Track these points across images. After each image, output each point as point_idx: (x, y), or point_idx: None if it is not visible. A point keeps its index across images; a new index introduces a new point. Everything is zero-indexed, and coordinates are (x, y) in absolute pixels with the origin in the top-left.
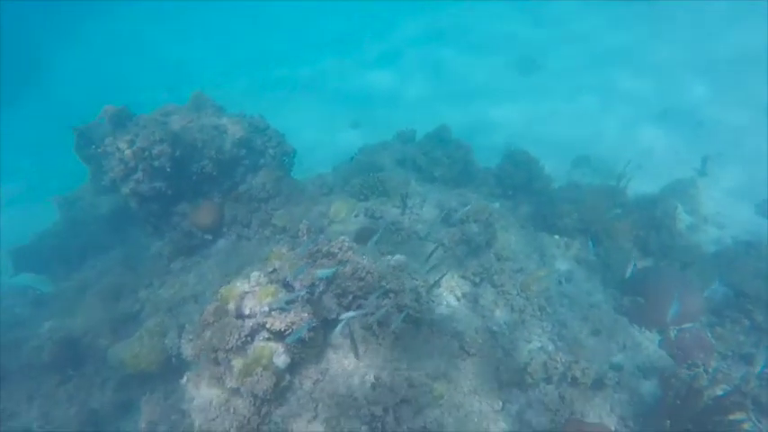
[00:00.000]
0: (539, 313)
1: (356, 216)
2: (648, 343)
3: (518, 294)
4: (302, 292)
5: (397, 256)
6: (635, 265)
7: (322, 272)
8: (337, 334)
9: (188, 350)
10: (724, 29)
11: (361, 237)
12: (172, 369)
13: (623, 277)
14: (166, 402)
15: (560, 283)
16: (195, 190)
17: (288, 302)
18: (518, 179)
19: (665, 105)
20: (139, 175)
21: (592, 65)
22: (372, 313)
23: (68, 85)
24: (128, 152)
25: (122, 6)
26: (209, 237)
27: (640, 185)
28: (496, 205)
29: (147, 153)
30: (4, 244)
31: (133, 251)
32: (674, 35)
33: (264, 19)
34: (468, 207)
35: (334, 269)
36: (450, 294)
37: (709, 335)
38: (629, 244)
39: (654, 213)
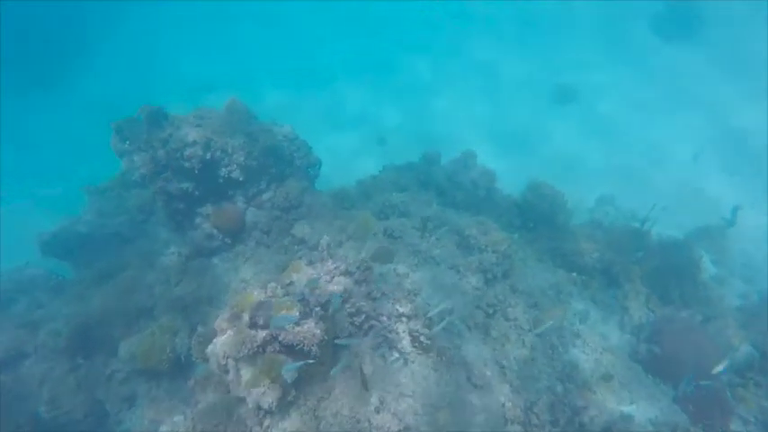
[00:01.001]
0: (550, 352)
1: (375, 234)
2: (662, 395)
3: (530, 330)
4: (317, 309)
5: (413, 279)
6: (654, 313)
7: (334, 297)
8: (344, 362)
9: (198, 353)
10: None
11: (379, 256)
12: (180, 369)
13: (641, 325)
14: (170, 402)
15: (575, 323)
16: (221, 193)
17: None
18: (540, 211)
19: (697, 149)
20: (169, 174)
21: (626, 103)
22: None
23: (108, 80)
24: (160, 151)
25: (169, 6)
26: (229, 240)
27: (665, 229)
28: (515, 236)
29: (178, 154)
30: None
31: (154, 246)
32: (715, 79)
33: (312, 33)
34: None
35: (340, 296)
36: (461, 323)
37: (729, 395)
38: (650, 289)
39: (678, 260)
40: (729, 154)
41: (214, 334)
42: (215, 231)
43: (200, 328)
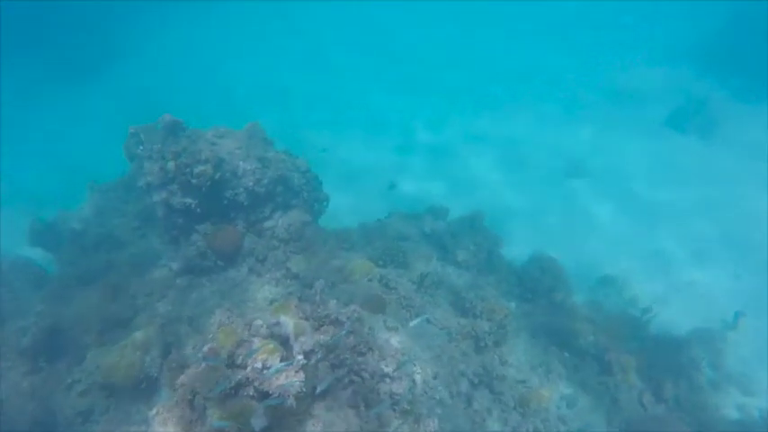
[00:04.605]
0: None
1: (370, 281)
2: None
3: (515, 408)
4: (300, 357)
5: (402, 338)
6: (645, 410)
7: (278, 366)
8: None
9: (167, 379)
10: None
11: (370, 304)
12: (144, 391)
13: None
14: (127, 426)
15: (561, 407)
16: (223, 214)
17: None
18: (540, 285)
19: (703, 247)
20: (175, 187)
21: (638, 185)
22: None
23: (139, 80)
24: (171, 163)
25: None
26: (222, 263)
27: (662, 322)
28: (512, 305)
29: (188, 169)
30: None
31: (145, 256)
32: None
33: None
34: None
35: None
36: (445, 389)
37: None
38: (643, 383)
39: (677, 358)
40: (734, 254)
41: (188, 365)
42: (209, 251)
43: (174, 352)
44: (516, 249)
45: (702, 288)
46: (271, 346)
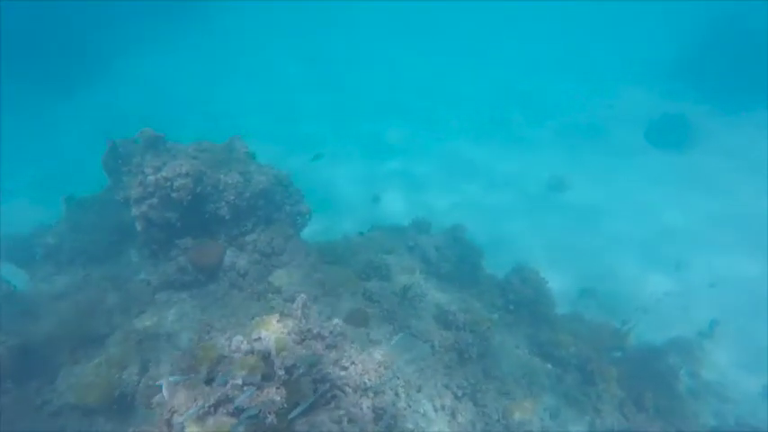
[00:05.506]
0: None
1: (353, 294)
2: None
3: (498, 420)
4: (281, 373)
5: (385, 351)
6: (627, 419)
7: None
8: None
9: (144, 398)
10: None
11: (353, 318)
12: (121, 410)
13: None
14: None
15: (545, 418)
16: (204, 228)
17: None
18: (523, 296)
19: (681, 258)
20: (155, 201)
21: (618, 204)
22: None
23: (121, 94)
24: (151, 177)
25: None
26: (203, 278)
27: (642, 332)
28: (495, 317)
29: (169, 183)
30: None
31: (123, 271)
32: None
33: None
34: None
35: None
36: (428, 402)
37: None
38: (625, 393)
39: (657, 367)
40: (710, 263)
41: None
42: (189, 266)
43: (152, 369)
44: (499, 262)
45: (679, 297)
46: (251, 361)
